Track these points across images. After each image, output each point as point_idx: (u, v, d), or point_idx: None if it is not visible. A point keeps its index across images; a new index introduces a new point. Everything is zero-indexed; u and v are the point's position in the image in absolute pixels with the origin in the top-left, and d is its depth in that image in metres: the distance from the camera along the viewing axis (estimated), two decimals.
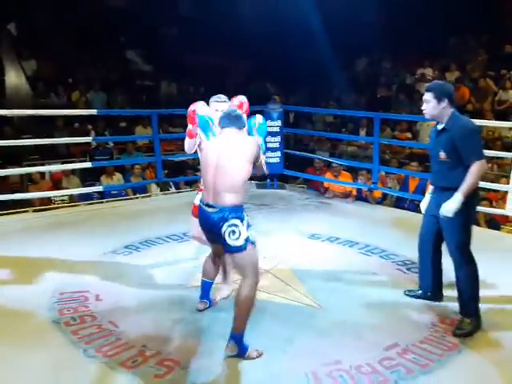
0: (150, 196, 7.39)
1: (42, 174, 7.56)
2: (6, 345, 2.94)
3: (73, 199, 7.11)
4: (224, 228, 2.81)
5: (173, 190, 7.96)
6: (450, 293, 3.54)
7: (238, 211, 2.84)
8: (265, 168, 3.16)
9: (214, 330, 3.15)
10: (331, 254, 4.58)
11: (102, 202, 6.75)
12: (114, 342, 3.00)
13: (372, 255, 4.52)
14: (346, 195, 6.72)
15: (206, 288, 3.42)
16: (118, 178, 7.72)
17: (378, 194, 6.57)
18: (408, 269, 4.23)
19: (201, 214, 2.95)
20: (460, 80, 10.39)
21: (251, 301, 2.89)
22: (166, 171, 7.38)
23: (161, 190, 7.82)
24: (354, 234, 5.00)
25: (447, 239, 3.28)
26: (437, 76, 11.04)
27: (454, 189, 3.08)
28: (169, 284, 3.84)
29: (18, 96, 10.21)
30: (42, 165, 7.82)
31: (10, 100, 10.06)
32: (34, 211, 6.04)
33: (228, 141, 2.91)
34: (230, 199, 2.82)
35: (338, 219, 5.63)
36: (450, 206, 3.07)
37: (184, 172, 8.66)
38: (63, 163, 7.77)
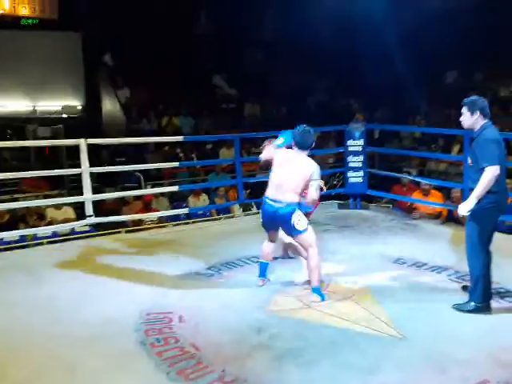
0: (232, 217, 7.55)
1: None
2: (93, 368, 3.07)
3: (161, 219, 7.46)
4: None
5: (254, 210, 8.07)
6: None
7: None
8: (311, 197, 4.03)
9: (292, 359, 3.12)
10: (417, 280, 4.38)
11: (188, 223, 7.00)
12: (195, 365, 3.06)
13: (463, 282, 4.26)
14: (435, 216, 6.41)
15: (264, 268, 4.23)
16: (203, 199, 8.00)
17: None
18: (502, 297, 3.95)
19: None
20: None
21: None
22: (247, 191, 7.52)
23: (243, 211, 7.97)
24: (443, 260, 4.75)
25: (465, 231, 3.74)
26: None
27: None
28: (248, 307, 3.86)
29: (113, 122, 10.99)
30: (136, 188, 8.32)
31: (106, 126, 10.84)
32: (127, 232, 6.40)
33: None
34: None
35: (426, 243, 5.39)
36: (464, 206, 3.56)
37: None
38: (153, 186, 8.20)
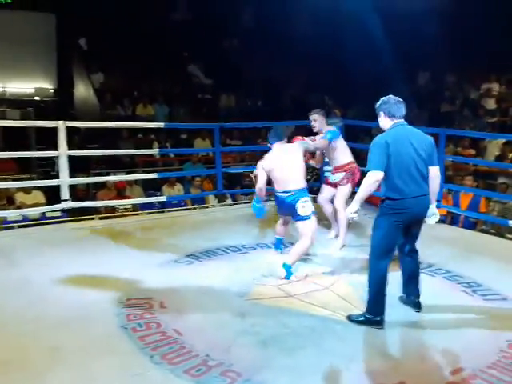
0: (208, 207, 7.55)
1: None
2: (76, 349, 3.05)
3: (135, 208, 7.38)
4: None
5: (229, 201, 8.10)
6: None
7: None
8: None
9: (276, 345, 3.16)
10: (393, 272, 4.45)
11: (162, 212, 6.94)
12: (178, 349, 3.07)
13: (436, 276, 4.40)
14: None
15: (279, 242, 4.80)
16: (178, 189, 7.95)
17: (442, 211, 6.39)
18: (474, 291, 4.09)
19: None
20: None
21: None
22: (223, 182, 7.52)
23: (218, 202, 7.97)
24: None
25: None
26: (503, 91, 10.70)
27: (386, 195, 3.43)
28: (230, 295, 3.88)
29: (85, 107, 10.72)
30: (107, 174, 8.16)
31: (79, 111, 10.58)
32: (100, 218, 6.30)
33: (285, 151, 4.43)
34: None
35: None
36: (348, 209, 3.49)
37: (240, 184, 8.82)
38: (127, 173, 8.09)
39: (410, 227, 3.52)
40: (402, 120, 3.48)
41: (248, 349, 3.11)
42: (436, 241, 5.33)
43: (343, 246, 5.08)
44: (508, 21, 10.57)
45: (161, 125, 7.21)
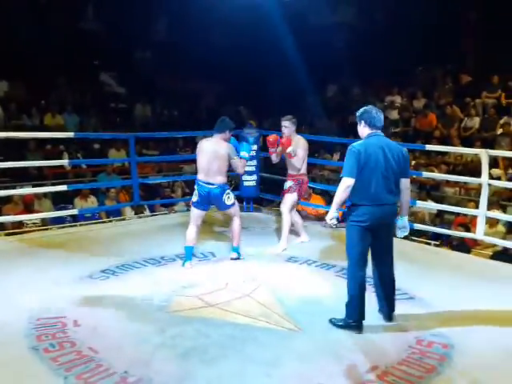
0: (124, 219, 7.33)
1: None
2: None
3: (45, 222, 6.99)
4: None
5: (147, 213, 7.92)
6: (425, 316, 3.67)
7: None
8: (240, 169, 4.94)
9: (196, 356, 3.14)
10: (309, 276, 4.63)
11: (75, 226, 6.64)
12: (94, 368, 2.95)
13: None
14: (319, 218, 6.82)
15: (190, 252, 4.83)
16: (92, 201, 7.65)
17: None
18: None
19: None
20: (427, 107, 10.80)
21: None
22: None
23: (135, 213, 7.77)
24: (330, 257, 5.07)
25: None
26: (404, 103, 11.48)
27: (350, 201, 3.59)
28: (148, 309, 3.80)
29: None
30: (13, 187, 7.68)
31: None
32: (6, 235, 5.91)
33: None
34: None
35: (314, 242, 5.69)
36: (327, 216, 3.64)
37: (159, 195, 8.68)
38: (34, 186, 7.66)
39: (377, 233, 3.59)
40: (380, 131, 3.64)
41: (168, 362, 3.06)
42: None
43: (284, 249, 5.36)
44: (407, 39, 11.39)
45: (70, 134, 6.92)
